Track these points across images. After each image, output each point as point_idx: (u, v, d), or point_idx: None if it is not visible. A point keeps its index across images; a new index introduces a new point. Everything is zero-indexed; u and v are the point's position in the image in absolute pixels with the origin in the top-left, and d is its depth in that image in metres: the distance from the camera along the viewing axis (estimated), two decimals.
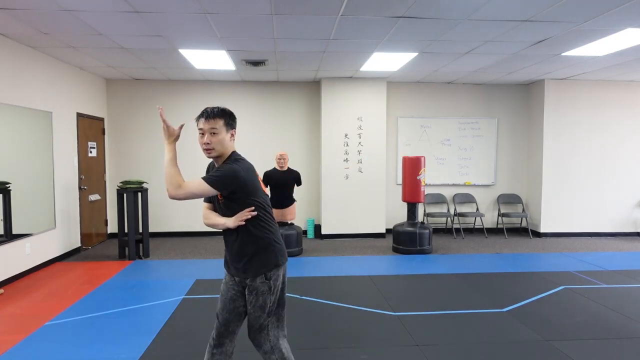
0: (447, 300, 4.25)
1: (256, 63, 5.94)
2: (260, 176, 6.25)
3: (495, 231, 7.79)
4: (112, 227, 7.22)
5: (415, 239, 6.14)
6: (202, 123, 2.09)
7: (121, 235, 5.90)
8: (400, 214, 7.54)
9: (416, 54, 5.46)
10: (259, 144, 7.45)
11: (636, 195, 7.51)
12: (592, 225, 7.49)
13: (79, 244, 6.28)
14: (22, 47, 5.01)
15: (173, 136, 2.12)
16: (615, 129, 7.40)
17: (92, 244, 6.69)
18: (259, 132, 7.45)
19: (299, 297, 4.34)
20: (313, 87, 7.49)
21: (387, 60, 5.80)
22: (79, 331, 3.52)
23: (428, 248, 6.22)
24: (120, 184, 5.87)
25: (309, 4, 3.73)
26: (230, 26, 4.34)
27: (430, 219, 7.66)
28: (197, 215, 7.25)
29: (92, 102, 6.74)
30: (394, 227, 6.43)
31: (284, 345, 2.25)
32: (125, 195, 5.76)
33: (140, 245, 6.00)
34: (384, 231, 7.37)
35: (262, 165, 7.23)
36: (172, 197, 2.01)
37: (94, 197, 6.70)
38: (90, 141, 6.65)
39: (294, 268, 5.43)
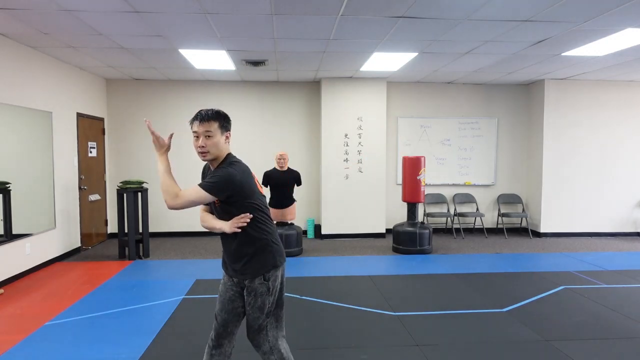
0: (447, 300, 4.25)
1: (256, 63, 5.94)
2: (260, 176, 6.28)
3: (495, 231, 7.79)
4: (112, 227, 7.22)
5: (415, 239, 6.14)
6: (197, 126, 2.07)
7: (121, 235, 5.90)
8: (400, 214, 7.54)
9: (416, 54, 5.46)
10: (259, 144, 7.45)
11: (636, 195, 7.51)
12: (592, 225, 7.49)
13: (79, 244, 6.28)
14: (22, 47, 5.01)
15: (164, 147, 2.13)
16: (615, 129, 7.40)
17: (92, 244, 6.69)
18: (259, 132, 7.45)
19: (299, 297, 4.34)
20: (313, 87, 7.49)
21: (387, 60, 5.80)
22: (79, 331, 3.52)
23: (428, 248, 6.22)
24: (120, 184, 5.87)
25: (309, 4, 3.73)
26: (230, 26, 4.34)
27: (430, 219, 7.66)
28: (196, 216, 7.20)
29: (92, 102, 6.74)
30: (394, 227, 6.43)
31: (283, 345, 2.25)
32: (125, 195, 5.76)
33: (140, 245, 6.00)
34: (384, 231, 7.37)
35: (262, 165, 7.23)
36: (171, 207, 2.00)
37: (94, 197, 6.70)
38: (90, 141, 6.65)
39: (294, 268, 5.43)
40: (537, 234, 7.45)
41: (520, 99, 7.76)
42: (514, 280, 4.91)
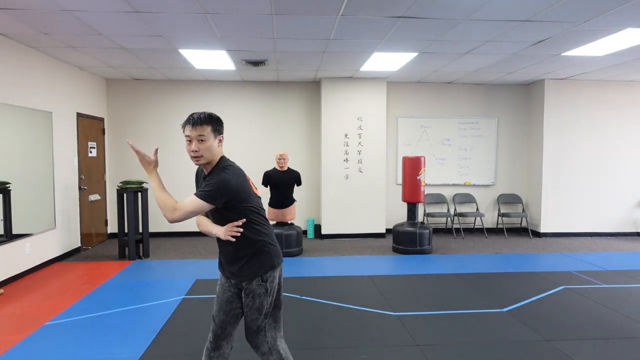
0: (447, 300, 4.25)
1: (256, 63, 5.94)
2: (260, 176, 6.28)
3: (495, 231, 7.79)
4: (112, 227, 7.22)
5: (415, 239, 6.14)
6: (189, 130, 2.03)
7: (121, 235, 5.90)
8: (400, 214, 7.54)
9: (416, 54, 5.46)
10: (259, 144, 7.45)
11: (636, 195, 7.51)
12: (592, 225, 7.49)
13: (79, 244, 6.28)
14: (22, 47, 5.01)
15: (152, 164, 2.10)
16: (615, 129, 7.40)
17: (92, 244, 6.69)
18: (259, 132, 7.45)
19: (299, 297, 4.34)
20: (313, 87, 7.49)
21: (387, 60, 5.80)
22: (79, 331, 3.52)
23: (428, 248, 6.22)
24: (120, 184, 5.87)
25: (309, 3, 3.73)
26: (230, 26, 4.34)
27: (430, 219, 7.66)
28: None
29: (92, 102, 6.74)
30: (394, 227, 6.43)
31: (282, 346, 2.25)
32: (125, 195, 5.76)
33: (140, 245, 6.00)
34: (384, 231, 7.37)
35: (262, 165, 7.24)
36: (172, 221, 1.99)
37: (94, 197, 6.70)
38: (90, 141, 6.65)
39: (294, 268, 5.43)
40: (537, 234, 7.45)
41: (520, 99, 7.76)
42: (514, 280, 4.91)
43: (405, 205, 7.18)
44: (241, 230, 2.07)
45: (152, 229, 7.03)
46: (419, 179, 6.10)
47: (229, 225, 2.07)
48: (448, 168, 7.70)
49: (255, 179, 6.89)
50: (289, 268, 5.41)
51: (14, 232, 4.84)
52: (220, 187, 2.00)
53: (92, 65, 6.13)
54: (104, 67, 6.20)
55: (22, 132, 5.01)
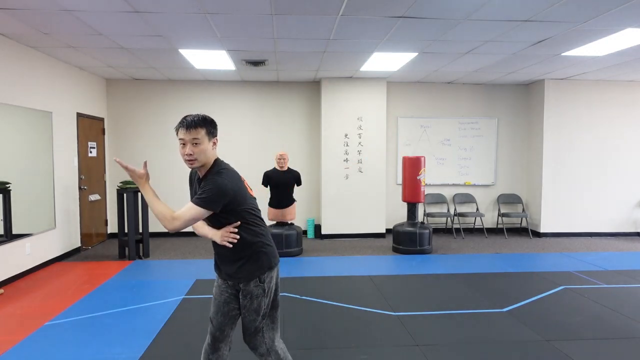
0: (447, 300, 4.25)
1: (256, 63, 5.94)
2: (260, 177, 6.27)
3: (495, 231, 7.79)
4: (112, 227, 7.22)
5: (415, 239, 6.14)
6: (183, 133, 2.01)
7: (121, 235, 5.90)
8: (400, 214, 7.54)
9: (416, 54, 5.46)
10: (259, 144, 7.45)
11: (636, 195, 7.51)
12: (592, 225, 7.49)
13: (79, 244, 6.28)
14: (22, 47, 5.01)
15: (143, 177, 2.05)
16: (615, 129, 7.40)
17: (92, 244, 6.69)
18: (259, 132, 7.45)
19: (299, 297, 4.34)
20: (313, 87, 7.49)
21: (387, 60, 5.80)
22: (79, 331, 3.52)
23: (428, 248, 6.22)
24: (120, 184, 5.87)
25: (309, 3, 3.73)
26: (230, 26, 4.34)
27: (430, 219, 7.66)
28: None
29: (92, 102, 6.74)
30: (394, 227, 6.43)
31: (280, 346, 2.25)
32: (125, 195, 5.76)
33: (140, 245, 6.00)
34: (384, 231, 7.37)
35: (262, 165, 7.24)
36: (172, 230, 1.97)
37: (94, 197, 6.70)
38: (90, 141, 6.65)
39: (294, 268, 5.43)
40: (537, 234, 7.45)
41: (520, 99, 7.76)
42: (514, 280, 4.91)
43: (405, 205, 7.18)
44: (237, 237, 2.07)
45: (152, 229, 7.02)
46: (419, 179, 6.10)
47: (225, 229, 2.07)
48: (448, 168, 7.70)
49: (255, 179, 6.92)
50: (289, 268, 5.41)
51: (14, 232, 4.84)
52: (218, 192, 1.98)
53: (92, 65, 6.13)
54: (104, 67, 6.20)
55: (22, 132, 5.01)
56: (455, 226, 7.71)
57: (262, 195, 6.44)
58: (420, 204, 7.05)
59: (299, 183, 6.02)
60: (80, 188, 6.29)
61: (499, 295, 4.39)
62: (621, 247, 6.69)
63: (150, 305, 4.10)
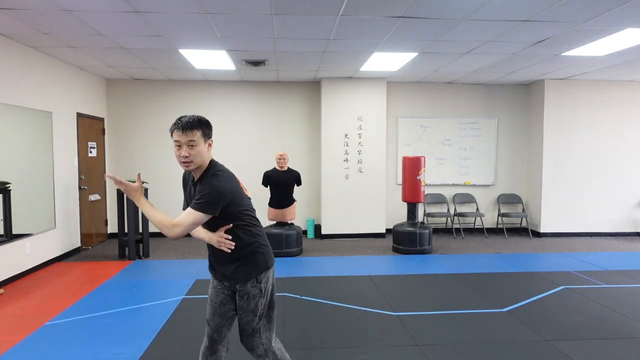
0: (447, 300, 4.25)
1: (256, 63, 5.94)
2: (260, 176, 6.27)
3: (495, 231, 7.79)
4: (112, 227, 7.22)
5: (415, 239, 6.14)
6: (179, 135, 1.97)
7: (121, 235, 5.91)
8: (400, 214, 7.54)
9: (416, 54, 5.46)
10: (259, 144, 7.45)
11: (636, 195, 7.51)
12: (592, 225, 7.49)
13: (79, 244, 6.28)
14: (22, 47, 5.01)
15: (137, 191, 2.03)
16: (615, 129, 7.40)
17: (92, 244, 6.69)
18: (259, 132, 7.45)
19: (299, 297, 4.33)
20: (313, 87, 7.49)
21: (387, 60, 5.80)
22: (79, 331, 3.52)
23: (428, 248, 6.22)
24: None
25: (309, 3, 3.73)
26: (230, 26, 4.34)
27: (430, 219, 7.66)
28: None
29: (92, 102, 6.74)
30: (394, 227, 6.43)
31: (277, 345, 2.25)
32: (125, 195, 5.75)
33: (140, 245, 6.00)
34: (384, 231, 7.37)
35: (262, 165, 7.24)
36: (174, 238, 1.96)
37: (94, 197, 6.70)
38: (90, 141, 6.65)
39: (294, 268, 5.43)
40: (537, 234, 7.45)
41: (520, 99, 7.76)
42: (514, 280, 4.91)
43: (405, 205, 7.18)
44: (233, 244, 2.06)
45: (152, 229, 7.01)
46: (419, 179, 6.10)
47: (218, 234, 2.06)
48: (448, 168, 7.70)
49: (255, 179, 6.93)
50: (289, 268, 5.41)
51: (14, 232, 4.84)
52: (216, 195, 1.96)
53: (92, 65, 6.13)
54: (104, 67, 6.20)
55: (22, 132, 5.01)
56: (455, 226, 7.71)
57: (262, 195, 6.45)
58: (420, 204, 7.04)
59: (299, 183, 6.02)
60: (80, 188, 6.29)
61: (499, 295, 4.39)
62: (621, 247, 6.69)
63: (150, 305, 4.10)
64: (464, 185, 7.75)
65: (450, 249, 6.50)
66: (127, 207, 5.74)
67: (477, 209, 7.72)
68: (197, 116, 2.03)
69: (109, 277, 5.02)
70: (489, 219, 7.82)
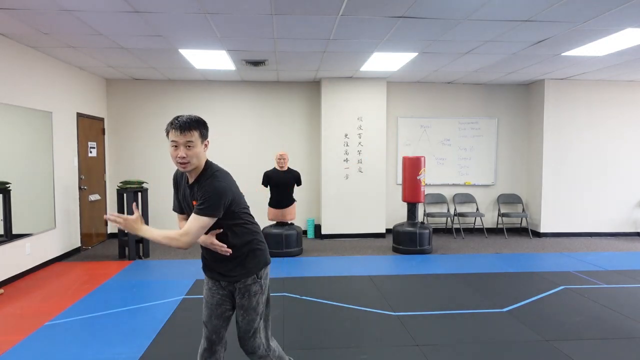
0: (447, 300, 4.25)
1: (256, 63, 5.94)
2: (260, 176, 6.27)
3: (495, 231, 7.79)
4: (112, 227, 7.22)
5: (415, 239, 6.14)
6: (176, 135, 1.93)
7: (121, 235, 5.90)
8: (400, 214, 7.54)
9: (416, 54, 5.46)
10: (259, 144, 7.45)
11: (636, 195, 7.51)
12: (592, 225, 7.49)
13: (79, 244, 6.28)
14: (22, 47, 5.01)
15: (137, 222, 1.98)
16: (615, 129, 7.40)
17: (92, 244, 6.69)
18: (259, 132, 7.45)
19: (299, 297, 4.34)
20: (313, 87, 7.49)
21: (387, 60, 5.80)
22: (79, 331, 3.52)
23: (428, 248, 6.22)
24: (120, 184, 5.87)
25: (309, 3, 3.73)
26: (230, 26, 4.34)
27: (430, 219, 7.66)
28: None
29: (92, 102, 6.74)
30: (394, 227, 6.43)
31: (274, 343, 2.26)
32: (125, 195, 5.76)
33: (140, 245, 6.00)
34: (384, 231, 7.37)
35: (262, 165, 7.24)
36: (187, 247, 1.94)
37: (94, 197, 6.70)
38: (90, 141, 6.65)
39: (294, 268, 5.43)
40: (537, 234, 7.45)
41: (520, 99, 7.76)
42: (514, 280, 4.91)
43: (405, 205, 7.18)
44: (230, 250, 2.06)
45: None
46: (419, 179, 6.10)
47: (211, 238, 2.05)
48: (448, 168, 7.70)
49: (255, 179, 6.93)
50: (289, 268, 5.41)
51: (14, 232, 4.84)
52: (218, 197, 1.95)
53: (92, 65, 6.13)
54: (104, 67, 6.20)
55: (22, 132, 5.01)
56: (455, 226, 7.71)
57: (262, 195, 6.45)
58: (420, 204, 7.04)
59: (299, 183, 6.02)
60: (80, 188, 6.29)
61: (499, 295, 4.39)
62: (621, 247, 6.69)
63: (150, 305, 4.10)
64: (464, 185, 7.75)
65: (450, 249, 6.50)
66: (127, 207, 5.73)
67: (477, 209, 7.72)
68: (195, 116, 1.99)
69: (109, 277, 5.02)
70: (489, 219, 7.82)
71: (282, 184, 5.88)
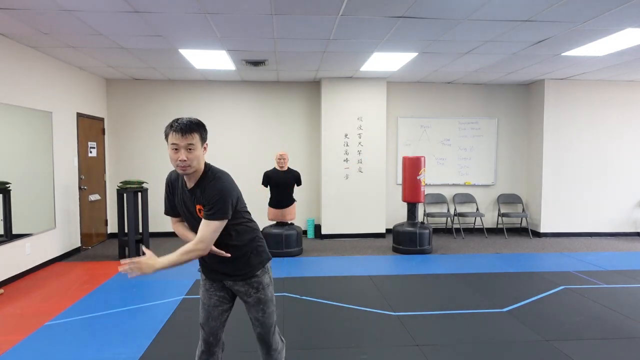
0: (447, 300, 4.25)
1: (256, 63, 5.94)
2: (260, 176, 6.27)
3: (495, 231, 7.79)
4: (112, 227, 7.22)
5: (415, 239, 6.14)
6: (177, 138, 1.89)
7: (121, 235, 5.90)
8: (400, 214, 7.54)
9: (416, 54, 5.46)
10: (259, 144, 7.45)
11: (636, 195, 7.51)
12: (592, 225, 7.49)
13: (79, 244, 6.28)
14: (22, 47, 5.01)
15: (151, 259, 1.91)
16: (615, 129, 7.40)
17: (92, 244, 6.69)
18: (259, 132, 7.45)
19: (299, 297, 4.33)
20: (313, 87, 7.49)
21: (387, 60, 5.80)
22: (79, 331, 3.52)
23: (428, 248, 6.22)
24: (120, 184, 5.87)
25: (309, 3, 3.73)
26: (230, 26, 4.34)
27: (430, 219, 7.66)
28: None
29: (92, 102, 6.74)
30: (394, 227, 6.43)
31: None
32: (125, 195, 5.76)
33: (140, 245, 5.99)
34: (384, 231, 7.37)
35: (262, 165, 7.25)
36: (205, 252, 1.95)
37: (94, 197, 6.70)
38: (90, 141, 6.65)
39: (294, 268, 5.43)
40: (537, 234, 7.45)
41: (520, 99, 7.76)
42: (514, 280, 4.91)
43: (405, 205, 7.18)
44: (228, 254, 2.06)
45: (152, 229, 7.03)
46: (419, 179, 6.10)
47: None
48: (448, 168, 7.70)
49: (255, 179, 6.93)
50: (289, 268, 5.41)
51: (14, 232, 4.84)
52: (226, 199, 1.95)
53: (92, 65, 6.13)
54: (104, 67, 6.20)
55: (22, 132, 5.01)
56: (455, 226, 7.71)
57: (262, 195, 6.45)
58: (420, 204, 7.05)
59: (299, 183, 6.02)
60: (80, 188, 6.29)
61: (499, 295, 4.39)
62: (621, 247, 6.69)
63: (150, 305, 4.10)
64: (464, 185, 7.75)
65: (450, 249, 6.50)
66: (127, 207, 5.74)
67: (477, 209, 7.72)
68: (195, 119, 1.97)
69: (109, 277, 5.02)
70: (489, 219, 7.82)
71: (282, 184, 5.88)
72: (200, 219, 2.00)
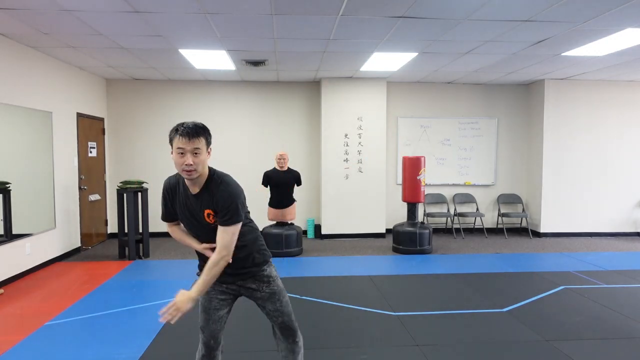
0: (447, 300, 4.25)
1: (256, 63, 5.94)
2: (260, 176, 6.27)
3: (495, 231, 7.79)
4: (112, 227, 7.22)
5: (415, 239, 6.14)
6: (183, 142, 1.87)
7: (121, 235, 5.90)
8: (400, 214, 7.54)
9: (416, 54, 5.46)
10: (259, 144, 7.45)
11: (636, 195, 7.51)
12: (592, 225, 7.49)
13: (79, 244, 6.28)
14: (22, 47, 5.01)
15: (183, 295, 1.88)
16: (615, 129, 7.40)
17: (92, 244, 6.69)
18: (259, 132, 7.45)
19: (299, 297, 4.33)
20: (313, 87, 7.49)
21: (387, 60, 5.80)
22: (79, 331, 3.52)
23: (428, 248, 6.22)
24: (120, 184, 5.87)
25: (309, 3, 3.73)
26: (230, 26, 4.34)
27: (430, 219, 7.66)
28: None
29: (92, 102, 6.74)
30: (394, 227, 6.43)
31: None
32: (125, 195, 5.76)
33: (140, 245, 6.00)
34: (384, 231, 7.37)
35: (262, 165, 7.25)
36: (229, 257, 1.97)
37: (94, 197, 6.70)
38: (90, 141, 6.65)
39: (294, 268, 5.43)
40: (537, 234, 7.45)
41: (520, 99, 7.76)
42: (514, 280, 4.91)
43: (405, 205, 7.18)
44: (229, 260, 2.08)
45: (152, 229, 7.02)
46: (419, 179, 6.10)
47: (207, 251, 2.04)
48: (448, 168, 7.70)
49: (255, 179, 6.93)
50: (289, 268, 5.41)
51: (14, 232, 4.84)
52: (237, 202, 1.96)
53: (92, 65, 6.13)
54: (104, 67, 6.20)
55: (22, 132, 5.01)
56: (455, 226, 7.71)
57: (262, 195, 6.45)
58: (420, 204, 7.05)
59: (299, 183, 6.02)
60: (80, 188, 6.29)
61: (499, 295, 4.39)
62: (621, 247, 6.69)
63: (150, 305, 4.10)
64: (464, 185, 7.75)
65: (450, 249, 6.50)
66: (127, 207, 5.74)
67: (477, 209, 7.72)
68: (200, 123, 1.95)
69: (109, 277, 5.02)
70: (489, 219, 7.82)
71: (282, 184, 5.88)
72: (207, 223, 1.99)
